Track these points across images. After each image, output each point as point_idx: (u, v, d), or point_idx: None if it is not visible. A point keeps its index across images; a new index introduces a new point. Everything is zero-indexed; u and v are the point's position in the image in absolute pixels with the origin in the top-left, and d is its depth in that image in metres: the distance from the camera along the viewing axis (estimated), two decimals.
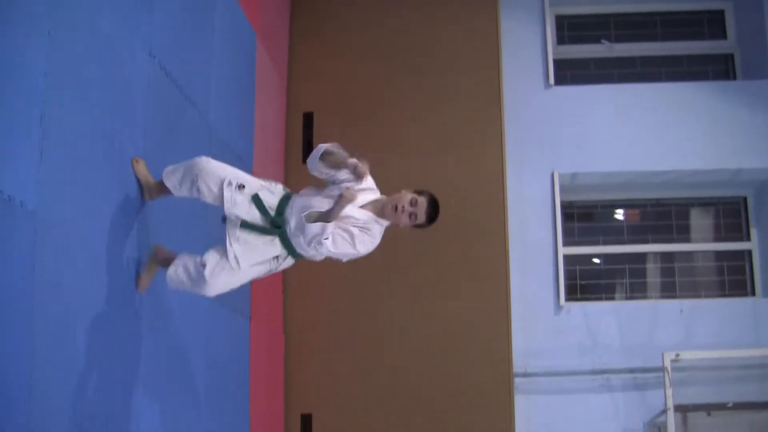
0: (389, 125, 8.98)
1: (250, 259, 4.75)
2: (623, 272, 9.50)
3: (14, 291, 3.67)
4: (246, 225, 4.72)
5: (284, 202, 4.79)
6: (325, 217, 4.65)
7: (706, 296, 9.36)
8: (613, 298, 9.45)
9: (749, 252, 9.47)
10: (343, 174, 4.77)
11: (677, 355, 8.09)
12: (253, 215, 4.74)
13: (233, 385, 7.00)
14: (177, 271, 4.84)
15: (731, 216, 9.65)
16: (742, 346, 8.47)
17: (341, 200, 4.59)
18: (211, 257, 4.73)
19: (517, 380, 8.59)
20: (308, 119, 8.97)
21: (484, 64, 9.07)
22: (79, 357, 4.31)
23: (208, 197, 4.79)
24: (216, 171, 4.78)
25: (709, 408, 8.62)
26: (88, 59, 4.46)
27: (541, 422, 8.74)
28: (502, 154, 8.87)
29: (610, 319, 8.95)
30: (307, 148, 8.77)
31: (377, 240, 4.87)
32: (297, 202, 4.79)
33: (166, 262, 4.97)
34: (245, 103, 7.60)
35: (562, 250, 9.09)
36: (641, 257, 9.56)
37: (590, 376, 8.78)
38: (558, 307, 8.95)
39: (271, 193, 4.83)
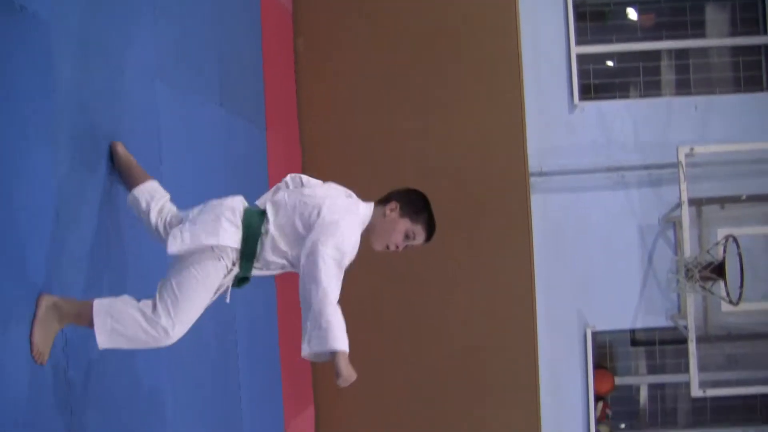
0: None
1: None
2: (637, 71, 9.43)
3: (34, 103, 3.61)
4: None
5: (251, 246, 3.85)
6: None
7: (721, 92, 9.30)
8: (627, 97, 9.41)
9: (765, 46, 9.37)
10: None
11: (692, 149, 8.12)
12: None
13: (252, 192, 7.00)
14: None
15: (747, 10, 9.48)
16: (756, 140, 8.45)
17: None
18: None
19: (532, 179, 8.63)
20: None
21: None
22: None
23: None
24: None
25: (722, 201, 8.74)
26: None
27: (557, 221, 8.89)
28: None
29: (624, 117, 8.94)
30: None
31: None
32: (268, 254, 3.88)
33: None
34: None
35: (575, 49, 9.00)
36: (655, 55, 9.46)
37: (605, 174, 8.85)
38: (572, 106, 8.93)
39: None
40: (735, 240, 7.91)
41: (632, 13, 9.65)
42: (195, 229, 3.76)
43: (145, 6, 4.90)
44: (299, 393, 8.11)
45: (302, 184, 4.09)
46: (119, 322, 3.61)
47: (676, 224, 8.71)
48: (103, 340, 3.61)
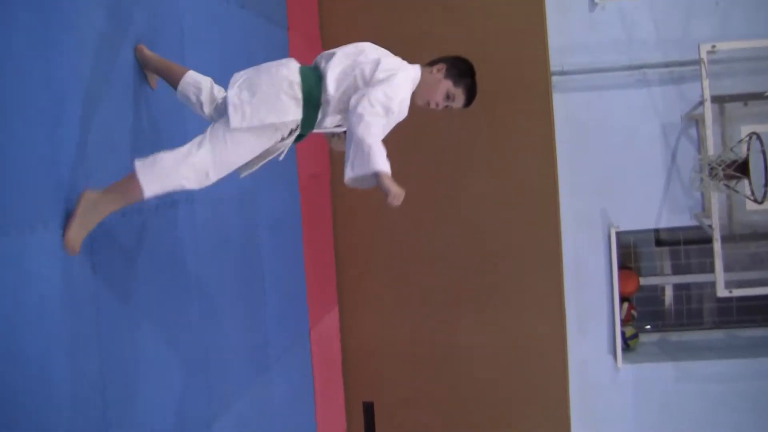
0: None
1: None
2: None
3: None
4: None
5: (311, 117, 3.99)
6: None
7: None
8: None
9: None
10: None
11: (713, 46, 7.99)
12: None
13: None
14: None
15: None
16: None
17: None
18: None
19: (554, 78, 8.55)
20: None
21: None
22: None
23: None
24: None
25: (745, 98, 8.65)
26: None
27: (579, 119, 8.79)
28: None
29: (644, 14, 8.75)
30: None
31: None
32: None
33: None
34: None
35: None
36: None
37: (627, 72, 8.72)
38: (593, 4, 8.78)
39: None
40: (759, 137, 7.81)
41: None
42: (255, 103, 3.82)
43: None
44: (324, 296, 8.13)
45: (354, 50, 4.11)
46: (162, 167, 3.68)
47: (698, 122, 8.64)
48: (148, 184, 3.63)
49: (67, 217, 3.47)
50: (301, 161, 7.40)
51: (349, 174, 3.77)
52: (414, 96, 4.13)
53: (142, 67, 4.28)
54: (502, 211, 8.35)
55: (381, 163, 3.71)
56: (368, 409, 8.60)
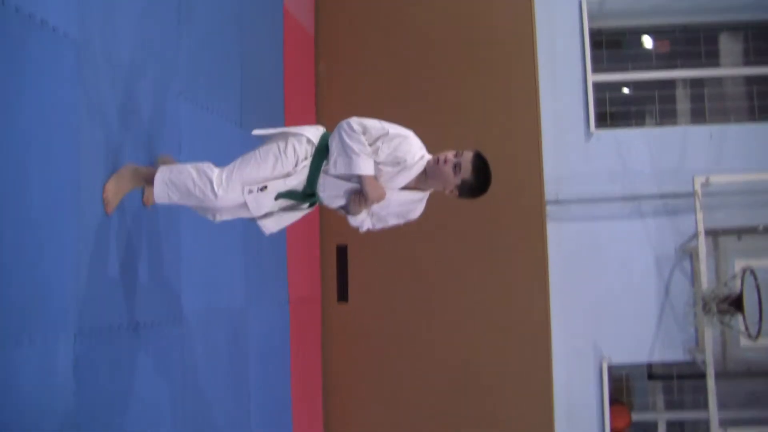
0: None
1: (280, 224, 4.35)
2: (653, 99, 9.39)
3: (61, 120, 3.68)
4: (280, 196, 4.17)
5: (314, 177, 4.13)
6: (349, 211, 4.22)
7: (736, 121, 9.24)
8: (642, 125, 9.35)
9: None
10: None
11: (707, 178, 8.04)
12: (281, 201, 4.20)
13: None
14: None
15: (760, 40, 9.45)
16: None
17: (353, 206, 4.15)
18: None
19: (548, 208, 8.55)
20: None
21: None
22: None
23: (228, 216, 4.26)
24: (233, 195, 4.09)
25: (739, 232, 8.64)
26: None
27: (573, 249, 8.74)
28: None
29: (640, 145, 8.83)
30: None
31: (418, 212, 4.38)
32: (329, 183, 4.17)
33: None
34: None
35: (591, 78, 8.92)
36: (670, 83, 9.41)
37: (621, 203, 8.73)
38: (588, 134, 8.84)
39: (300, 173, 4.12)
40: (753, 272, 7.78)
41: (648, 42, 9.61)
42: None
43: (170, 25, 4.96)
44: (310, 426, 7.97)
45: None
46: (175, 175, 4.06)
47: (692, 255, 8.60)
48: (159, 191, 4.08)
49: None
50: (292, 283, 7.30)
51: (331, 171, 4.09)
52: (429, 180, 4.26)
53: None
54: (493, 340, 8.28)
55: (365, 167, 4.00)
56: None
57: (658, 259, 8.74)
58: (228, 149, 5.97)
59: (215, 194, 4.01)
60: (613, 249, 8.75)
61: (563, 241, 8.70)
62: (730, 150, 8.77)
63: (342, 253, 8.43)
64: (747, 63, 9.48)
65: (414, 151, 4.17)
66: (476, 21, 8.61)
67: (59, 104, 3.65)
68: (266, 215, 4.21)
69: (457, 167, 4.14)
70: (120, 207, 4.19)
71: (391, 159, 4.11)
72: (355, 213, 4.19)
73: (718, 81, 9.47)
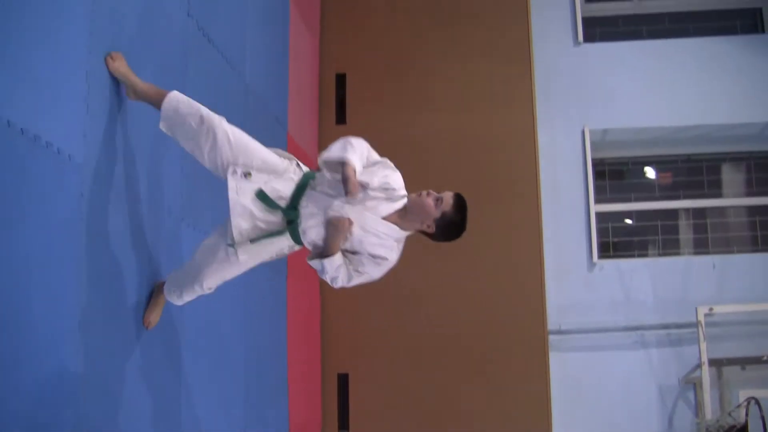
0: (420, 83, 8.98)
1: (257, 259, 4.31)
2: (655, 229, 9.50)
3: (63, 242, 3.76)
4: (255, 239, 4.17)
5: (300, 191, 4.20)
6: (325, 251, 4.16)
7: (739, 251, 9.34)
8: (645, 255, 9.44)
9: None
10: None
11: (711, 309, 8.10)
12: (262, 214, 4.17)
13: (271, 343, 7.05)
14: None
15: (763, 170, 9.61)
16: None
17: (331, 230, 4.10)
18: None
19: (551, 337, 8.61)
20: (341, 80, 8.98)
21: (514, 20, 9.05)
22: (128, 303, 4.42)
23: (208, 162, 4.23)
24: (235, 147, 4.18)
25: (743, 362, 8.60)
26: (130, 19, 4.52)
27: (575, 379, 8.76)
28: (533, 110, 8.85)
29: (642, 276, 8.94)
30: (340, 108, 8.85)
31: (396, 255, 4.30)
32: (314, 198, 4.18)
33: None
34: (280, 64, 7.60)
35: (594, 208, 9.08)
36: (673, 213, 9.54)
37: (624, 333, 8.79)
38: (591, 264, 8.96)
39: (287, 180, 4.23)
40: (757, 402, 7.75)
41: (650, 172, 9.77)
42: None
43: (173, 152, 5.03)
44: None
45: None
46: (181, 114, 4.18)
47: (696, 385, 8.59)
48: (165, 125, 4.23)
49: None
50: (292, 410, 7.39)
51: (323, 155, 4.20)
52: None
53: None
54: None
55: (354, 159, 4.11)
56: None
57: (661, 389, 8.74)
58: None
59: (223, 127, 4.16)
60: (616, 379, 8.77)
61: (566, 370, 8.72)
62: (733, 280, 8.86)
63: (343, 381, 8.50)
64: (749, 193, 9.62)
65: (402, 184, 4.29)
66: (479, 151, 8.82)
67: (61, 225, 3.73)
68: (241, 244, 4.16)
69: (438, 201, 4.22)
70: (119, 328, 4.31)
71: (383, 184, 4.19)
72: (332, 251, 4.14)
73: (720, 211, 9.58)
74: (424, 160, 8.65)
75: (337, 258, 4.15)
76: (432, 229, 4.29)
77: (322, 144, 8.74)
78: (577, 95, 9.28)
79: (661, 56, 9.35)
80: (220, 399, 5.85)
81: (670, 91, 9.22)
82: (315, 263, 4.19)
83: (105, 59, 4.21)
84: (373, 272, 4.26)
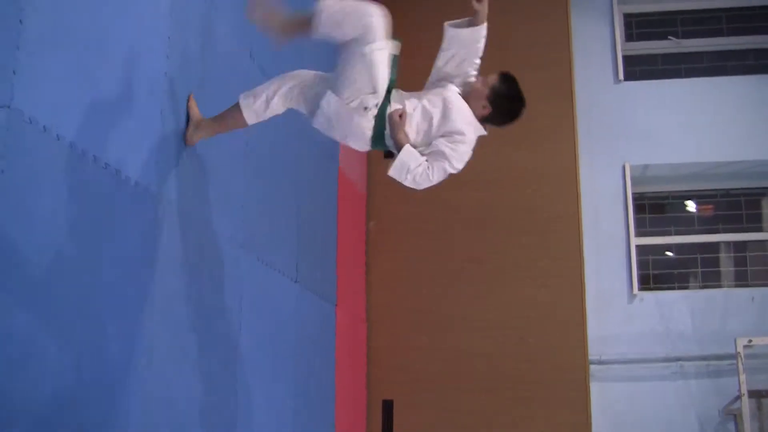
0: None
1: (380, 66, 4.29)
2: (695, 262, 9.61)
3: (136, 269, 4.03)
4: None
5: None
6: (396, 144, 4.31)
7: None
8: (686, 288, 9.55)
9: None
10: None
11: (750, 341, 8.18)
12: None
13: (320, 369, 7.26)
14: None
15: None
16: None
17: (391, 125, 4.27)
18: None
19: (592, 368, 8.75)
20: None
21: (556, 60, 9.29)
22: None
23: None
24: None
25: None
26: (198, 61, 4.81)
27: (616, 410, 8.85)
28: (575, 147, 9.09)
29: (682, 307, 9.05)
30: None
31: (472, 133, 4.44)
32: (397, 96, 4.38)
33: None
34: None
35: (635, 241, 9.25)
36: (713, 247, 9.68)
37: (664, 364, 8.90)
38: (631, 296, 9.09)
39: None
40: None
41: (691, 206, 9.91)
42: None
43: (235, 185, 5.34)
44: None
45: None
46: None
47: (736, 417, 8.62)
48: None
49: None
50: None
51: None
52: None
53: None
54: None
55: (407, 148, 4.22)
56: None
57: (701, 420, 8.81)
58: (283, 304, 6.37)
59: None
60: (657, 410, 8.84)
61: (606, 401, 8.83)
62: None
63: (388, 407, 8.68)
64: None
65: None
66: (523, 184, 9.06)
67: (135, 255, 3.98)
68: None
69: (484, 80, 4.41)
70: (179, 341, 4.54)
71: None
72: (400, 139, 4.26)
73: (760, 244, 9.69)
74: (467, 193, 8.85)
75: (409, 148, 4.28)
76: (488, 109, 4.45)
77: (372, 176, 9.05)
78: (618, 131, 9.47)
79: (700, 94, 9.54)
80: (269, 419, 6.01)
81: (708, 127, 9.39)
82: (394, 164, 4.31)
83: (188, 98, 4.55)
84: (452, 155, 4.34)
